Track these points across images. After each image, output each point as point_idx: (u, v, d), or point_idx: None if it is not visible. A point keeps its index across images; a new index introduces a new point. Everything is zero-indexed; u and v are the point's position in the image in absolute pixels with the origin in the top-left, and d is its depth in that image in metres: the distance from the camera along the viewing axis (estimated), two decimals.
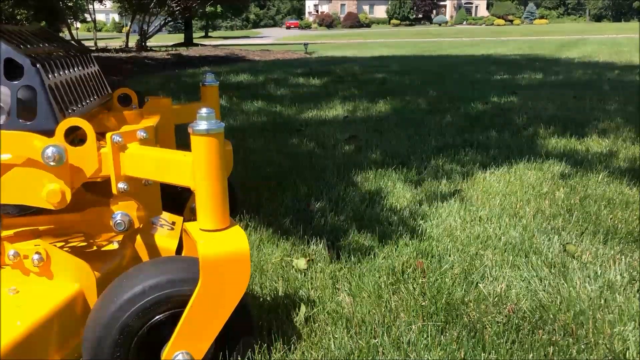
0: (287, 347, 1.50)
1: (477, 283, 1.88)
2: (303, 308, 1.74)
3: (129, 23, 22.43)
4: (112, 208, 1.46)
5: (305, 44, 18.93)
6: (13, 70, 1.37)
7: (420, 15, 64.60)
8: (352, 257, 2.07)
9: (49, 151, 1.28)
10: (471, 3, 68.96)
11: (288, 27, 63.73)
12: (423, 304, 1.74)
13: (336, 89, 7.28)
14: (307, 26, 62.53)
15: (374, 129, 4.39)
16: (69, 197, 1.34)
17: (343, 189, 2.87)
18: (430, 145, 3.86)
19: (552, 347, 1.53)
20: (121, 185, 1.39)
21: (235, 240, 1.26)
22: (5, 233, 1.44)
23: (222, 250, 1.25)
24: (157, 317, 1.26)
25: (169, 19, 22.01)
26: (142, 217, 1.48)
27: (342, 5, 66.24)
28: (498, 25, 53.55)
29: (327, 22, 59.74)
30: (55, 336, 1.28)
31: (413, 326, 1.63)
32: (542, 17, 64.09)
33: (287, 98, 6.47)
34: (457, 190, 2.88)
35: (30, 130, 1.32)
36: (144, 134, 1.43)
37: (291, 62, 13.21)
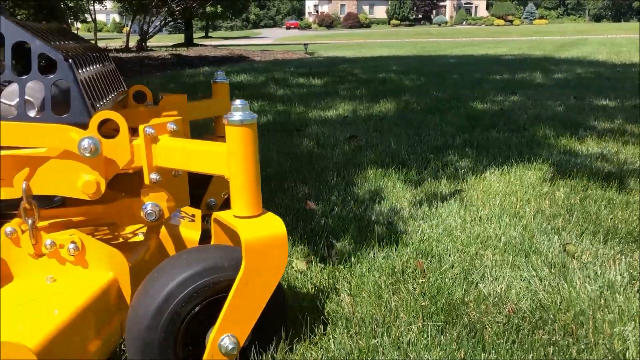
0: (287, 346, 1.50)
1: (477, 283, 1.88)
2: (303, 308, 1.74)
3: (130, 23, 22.43)
4: (142, 199, 1.51)
5: (305, 44, 18.94)
6: (45, 66, 1.42)
7: (420, 16, 64.60)
8: (352, 257, 2.07)
9: (85, 143, 1.33)
10: (471, 3, 68.95)
11: (288, 28, 63.75)
12: (423, 304, 1.74)
13: (336, 89, 7.28)
14: (307, 26, 62.55)
15: (374, 129, 4.39)
16: (103, 188, 1.39)
17: (343, 189, 2.87)
18: (430, 145, 3.86)
19: (552, 347, 1.53)
20: (153, 176, 1.44)
21: (273, 224, 1.33)
22: (40, 224, 1.46)
23: (264, 234, 1.30)
24: (202, 303, 1.30)
25: (169, 19, 22.02)
26: (171, 208, 1.54)
27: (342, 5, 66.24)
28: (498, 25, 53.56)
29: (327, 22, 59.75)
30: (91, 324, 1.31)
31: (413, 326, 1.63)
32: (541, 18, 64.08)
33: (287, 98, 6.47)
34: (457, 190, 2.88)
35: (64, 123, 1.36)
36: (174, 127, 1.49)
37: (291, 62, 13.22)
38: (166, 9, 20.14)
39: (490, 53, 14.08)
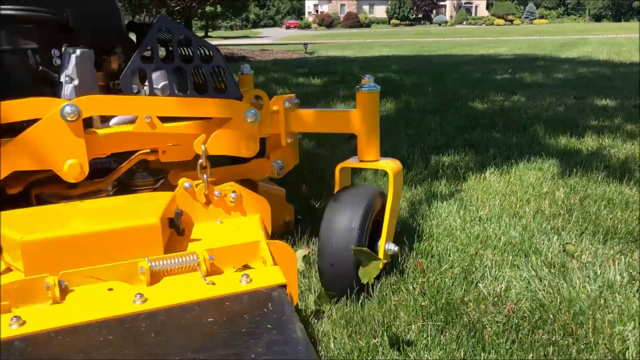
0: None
1: (476, 283, 1.89)
2: (302, 308, 1.74)
3: None
4: (272, 158, 1.98)
5: (305, 44, 18.93)
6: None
7: (420, 15, 64.59)
8: None
9: (250, 113, 1.73)
10: (471, 3, 68.93)
11: (288, 27, 63.71)
12: (423, 303, 1.75)
13: (336, 89, 7.28)
14: (307, 26, 62.51)
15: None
16: (257, 149, 1.80)
17: None
18: (430, 145, 3.86)
19: (552, 347, 1.53)
20: (289, 139, 1.92)
21: (396, 162, 1.91)
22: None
23: (397, 167, 1.89)
24: (372, 223, 1.77)
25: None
26: (290, 164, 2.03)
27: (342, 5, 66.24)
28: (498, 25, 53.53)
29: (327, 22, 59.73)
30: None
31: (413, 326, 1.63)
32: (542, 17, 64.06)
33: None
34: (457, 190, 2.88)
35: (225, 99, 1.74)
36: (297, 101, 1.96)
37: (291, 62, 13.22)
38: (165, 8, 20.15)
39: (490, 53, 14.07)
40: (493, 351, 1.51)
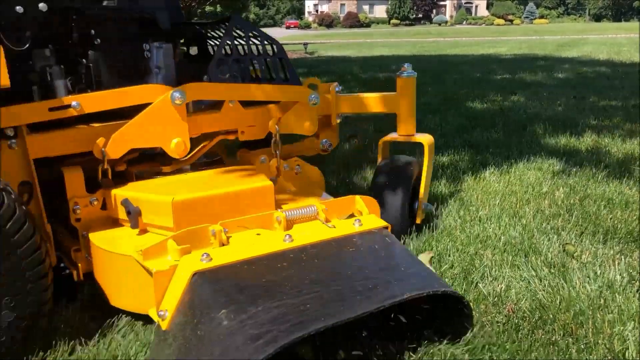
0: None
1: (476, 283, 1.89)
2: None
3: None
4: (320, 137, 2.31)
5: (305, 44, 18.92)
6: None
7: (420, 15, 64.56)
8: None
9: (313, 97, 2.10)
10: (471, 3, 68.91)
11: (288, 27, 63.68)
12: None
13: None
14: (307, 26, 62.51)
15: (374, 129, 4.39)
16: (316, 128, 2.16)
17: (343, 189, 2.87)
18: None
19: (552, 347, 1.53)
20: (337, 119, 2.31)
21: (428, 136, 2.29)
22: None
23: (430, 139, 2.27)
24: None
25: None
26: (335, 142, 2.36)
27: (342, 5, 66.22)
28: (498, 25, 53.48)
29: (327, 21, 59.72)
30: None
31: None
32: (542, 17, 64.04)
33: None
34: (457, 190, 2.88)
35: (291, 85, 2.08)
36: (341, 87, 2.33)
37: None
38: None
39: (490, 53, 14.07)
40: (494, 351, 1.51)
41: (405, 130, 2.26)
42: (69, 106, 1.68)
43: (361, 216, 1.71)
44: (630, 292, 1.81)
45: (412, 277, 1.51)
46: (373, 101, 2.29)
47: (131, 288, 1.60)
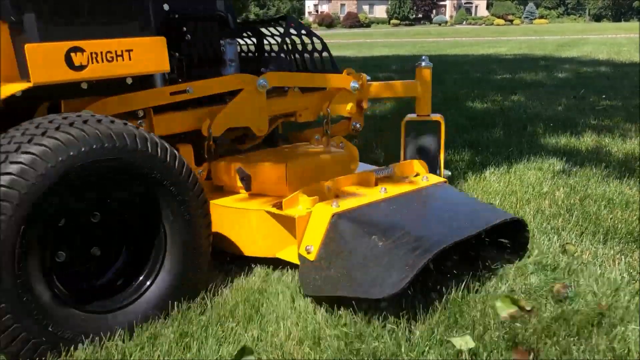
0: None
1: (477, 283, 1.88)
2: (302, 307, 1.74)
3: None
4: (352, 119, 2.64)
5: None
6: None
7: (420, 15, 64.53)
8: None
9: (354, 84, 2.50)
10: (471, 3, 68.89)
11: None
12: (423, 304, 1.74)
13: None
14: (307, 26, 62.36)
15: (375, 129, 4.39)
16: (354, 111, 2.58)
17: None
18: None
19: (551, 347, 1.53)
20: (365, 105, 2.66)
21: (441, 115, 2.72)
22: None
23: (441, 117, 2.70)
24: None
25: None
26: (362, 125, 2.70)
27: (342, 5, 66.18)
28: (498, 25, 53.43)
29: (327, 22, 59.69)
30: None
31: (413, 326, 1.63)
32: (542, 17, 64.00)
33: None
34: (456, 189, 2.88)
35: (338, 74, 2.48)
36: (369, 77, 2.64)
37: None
38: None
39: (490, 53, 14.06)
40: (494, 352, 1.51)
41: (423, 111, 2.71)
42: (185, 91, 1.97)
43: (423, 175, 2.24)
44: (631, 292, 1.81)
45: (487, 211, 2.13)
46: (397, 87, 2.75)
47: (263, 237, 1.97)
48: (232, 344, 1.59)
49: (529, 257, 2.03)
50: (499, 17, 61.68)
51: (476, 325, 1.62)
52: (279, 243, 1.94)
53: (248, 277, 1.94)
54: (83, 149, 1.46)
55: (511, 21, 60.37)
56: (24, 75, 1.56)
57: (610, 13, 63.78)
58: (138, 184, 1.63)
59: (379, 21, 63.45)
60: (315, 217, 1.84)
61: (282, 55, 2.39)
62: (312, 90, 2.44)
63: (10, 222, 1.37)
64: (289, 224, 1.89)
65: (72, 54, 1.60)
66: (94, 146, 1.48)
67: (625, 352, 1.51)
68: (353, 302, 1.69)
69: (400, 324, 1.62)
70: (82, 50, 1.61)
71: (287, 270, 2.00)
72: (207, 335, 1.62)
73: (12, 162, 1.39)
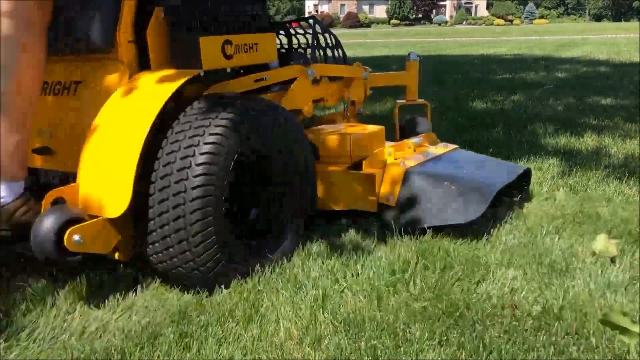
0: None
1: (477, 283, 1.88)
2: (302, 307, 1.74)
3: None
4: (356, 105, 3.07)
5: None
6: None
7: (420, 15, 64.53)
8: (352, 257, 2.07)
9: (365, 74, 2.96)
10: (471, 3, 68.88)
11: None
12: (423, 304, 1.74)
13: None
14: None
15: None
16: (363, 97, 3.06)
17: None
18: None
19: (552, 347, 1.53)
20: (368, 92, 3.09)
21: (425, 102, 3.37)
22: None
23: (427, 102, 3.37)
24: None
25: None
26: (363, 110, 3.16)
27: (342, 5, 66.19)
28: (498, 25, 53.41)
29: (327, 22, 59.67)
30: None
31: (413, 327, 1.63)
32: (542, 17, 63.97)
33: None
34: None
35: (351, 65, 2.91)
36: (370, 70, 3.04)
37: None
38: None
39: (490, 53, 14.06)
40: (494, 352, 1.51)
41: (411, 97, 3.32)
42: (263, 79, 2.26)
43: (441, 142, 2.88)
44: (631, 292, 1.81)
45: (506, 165, 2.84)
46: (391, 77, 3.38)
47: (345, 193, 2.39)
48: (232, 344, 1.59)
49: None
50: (499, 17, 61.66)
51: None
52: (358, 197, 2.37)
53: (248, 277, 1.94)
54: (257, 121, 1.92)
55: (511, 21, 60.36)
56: (187, 64, 1.91)
57: (610, 13, 63.75)
58: (283, 151, 2.06)
59: (379, 21, 63.44)
60: (390, 173, 2.36)
61: (305, 50, 2.77)
62: (336, 79, 2.83)
63: (220, 176, 1.74)
64: (369, 180, 2.35)
65: (226, 46, 2.01)
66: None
67: (625, 351, 1.51)
68: (353, 302, 1.66)
69: (400, 323, 1.61)
70: (231, 43, 2.04)
71: (287, 270, 2.00)
72: (207, 335, 1.62)
73: (210, 134, 1.74)
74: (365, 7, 67.64)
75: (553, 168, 3.22)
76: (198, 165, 1.70)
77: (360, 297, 1.80)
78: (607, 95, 5.97)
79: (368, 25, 57.83)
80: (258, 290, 1.87)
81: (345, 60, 2.87)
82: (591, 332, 1.59)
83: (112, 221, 1.67)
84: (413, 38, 25.93)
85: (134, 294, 1.88)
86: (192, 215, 1.69)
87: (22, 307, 1.79)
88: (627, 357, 1.49)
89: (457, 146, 2.86)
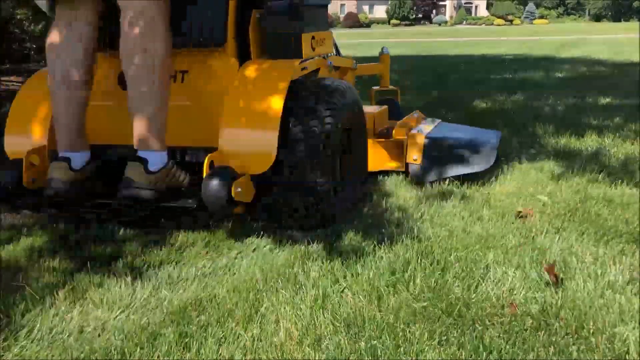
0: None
1: (477, 283, 1.88)
2: (302, 307, 1.74)
3: None
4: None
5: None
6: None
7: (420, 15, 64.50)
8: (352, 257, 2.07)
9: (355, 64, 3.29)
10: (471, 3, 68.85)
11: None
12: (423, 304, 1.74)
13: None
14: None
15: None
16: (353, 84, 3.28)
17: None
18: None
19: (552, 347, 1.53)
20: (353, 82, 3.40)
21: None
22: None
23: (397, 88, 4.12)
24: None
25: None
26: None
27: (342, 5, 66.15)
28: (498, 25, 53.37)
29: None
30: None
31: (413, 327, 1.62)
32: (542, 17, 63.92)
33: None
34: (457, 190, 2.88)
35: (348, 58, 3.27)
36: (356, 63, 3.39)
37: None
38: None
39: (490, 53, 14.05)
40: (494, 352, 1.51)
41: (384, 84, 3.85)
42: (305, 68, 2.44)
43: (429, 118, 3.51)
44: (631, 292, 1.81)
45: (487, 131, 3.47)
46: (369, 67, 3.83)
47: (377, 157, 2.98)
48: (232, 344, 1.59)
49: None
50: (499, 17, 61.62)
51: None
52: (388, 160, 3.02)
53: (248, 277, 1.94)
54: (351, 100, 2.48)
55: (511, 21, 60.31)
56: (287, 55, 2.40)
57: (610, 13, 63.70)
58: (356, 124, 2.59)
59: (379, 21, 63.40)
60: (414, 139, 2.91)
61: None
62: (338, 69, 3.11)
63: (336, 134, 2.28)
64: (397, 146, 2.99)
65: (312, 40, 2.56)
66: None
67: (625, 352, 1.50)
68: (354, 301, 1.66)
69: (400, 323, 1.61)
70: (314, 38, 2.57)
71: (287, 270, 1.99)
72: (207, 336, 1.62)
73: (327, 108, 2.23)
74: (365, 7, 67.62)
75: (553, 168, 3.22)
76: (325, 125, 2.20)
77: (360, 297, 1.80)
78: (607, 95, 5.97)
79: (368, 26, 57.82)
80: (258, 290, 1.87)
81: (339, 52, 3.23)
82: (591, 332, 1.58)
83: (251, 176, 2.10)
84: (413, 38, 25.93)
85: (132, 294, 1.87)
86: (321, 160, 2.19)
87: (21, 307, 1.79)
88: (627, 357, 1.49)
89: (440, 120, 3.52)
